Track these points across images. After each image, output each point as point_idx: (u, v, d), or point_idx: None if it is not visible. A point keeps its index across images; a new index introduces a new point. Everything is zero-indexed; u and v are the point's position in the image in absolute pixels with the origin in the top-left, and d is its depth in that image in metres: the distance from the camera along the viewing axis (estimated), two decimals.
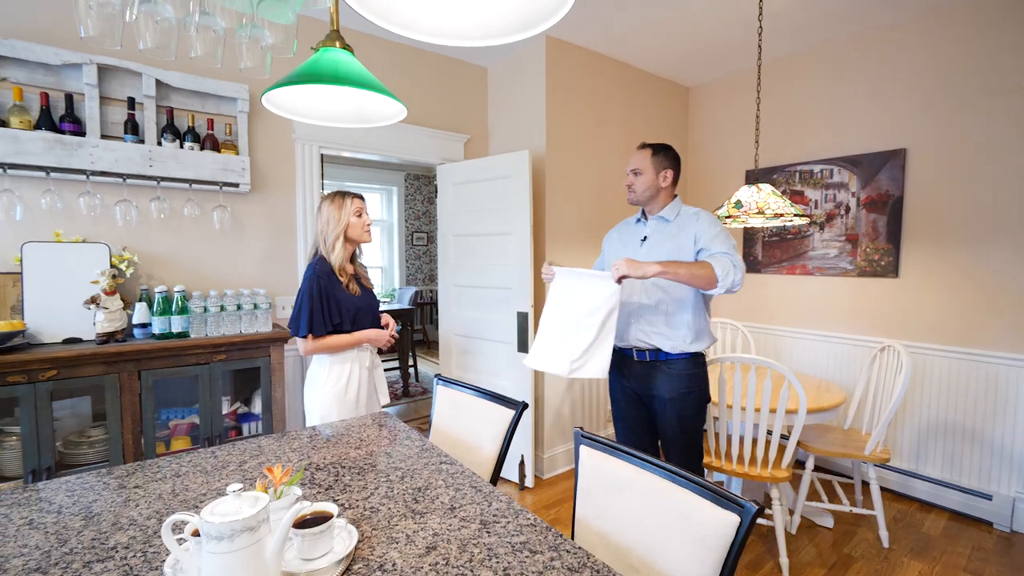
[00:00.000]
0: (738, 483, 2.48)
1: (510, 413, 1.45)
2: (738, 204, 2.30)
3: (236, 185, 2.44)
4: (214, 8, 1.12)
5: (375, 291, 2.05)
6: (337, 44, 1.29)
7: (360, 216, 1.87)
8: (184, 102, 2.35)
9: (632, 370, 1.87)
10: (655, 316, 1.80)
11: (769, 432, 2.38)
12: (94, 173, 2.11)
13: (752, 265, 3.44)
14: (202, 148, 2.34)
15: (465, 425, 1.58)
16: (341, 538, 0.88)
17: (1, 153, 1.93)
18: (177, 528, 0.92)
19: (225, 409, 2.40)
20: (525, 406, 1.45)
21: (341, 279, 1.83)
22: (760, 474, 2.05)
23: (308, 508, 0.87)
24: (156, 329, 2.13)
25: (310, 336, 1.76)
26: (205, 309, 2.22)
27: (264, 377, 2.33)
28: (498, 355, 2.99)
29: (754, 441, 2.23)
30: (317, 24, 2.70)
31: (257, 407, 2.40)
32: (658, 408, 1.82)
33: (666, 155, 1.84)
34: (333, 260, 1.82)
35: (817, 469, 3.06)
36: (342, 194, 1.86)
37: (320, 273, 1.78)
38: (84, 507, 1.04)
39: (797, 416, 2.02)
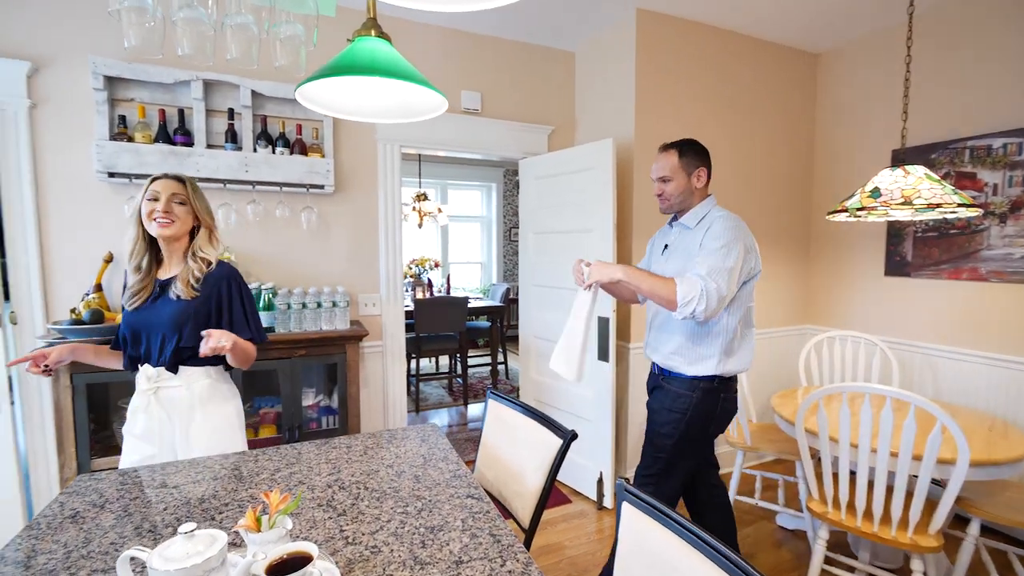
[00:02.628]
0: (866, 546, 2.00)
1: (557, 443, 1.26)
2: (875, 192, 1.83)
3: (321, 187, 2.54)
4: (240, 7, 1.09)
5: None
6: (373, 32, 1.20)
7: (156, 200, 1.37)
8: (276, 110, 2.49)
9: (649, 383, 1.84)
10: (653, 329, 1.77)
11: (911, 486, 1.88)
12: (200, 180, 2.31)
13: (897, 267, 2.79)
14: (291, 152, 2.46)
15: (511, 447, 1.42)
16: None
17: (127, 165, 2.19)
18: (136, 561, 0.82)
19: (309, 401, 2.53)
20: (574, 436, 1.25)
21: (128, 281, 1.45)
22: (897, 538, 1.61)
23: (286, 548, 0.78)
24: None
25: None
26: (288, 306, 2.33)
27: (340, 373, 2.40)
28: None
29: (889, 490, 1.77)
30: (389, 21, 2.70)
31: (336, 401, 2.48)
32: (648, 418, 1.76)
33: (695, 152, 1.67)
34: (126, 257, 1.45)
35: (986, 533, 2.39)
36: (151, 176, 1.43)
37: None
38: (124, 504, 1.07)
39: (955, 470, 1.54)
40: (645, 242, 2.71)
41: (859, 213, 1.99)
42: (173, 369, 1.40)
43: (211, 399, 1.45)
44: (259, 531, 0.83)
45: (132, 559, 0.65)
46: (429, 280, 4.86)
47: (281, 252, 2.59)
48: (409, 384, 4.55)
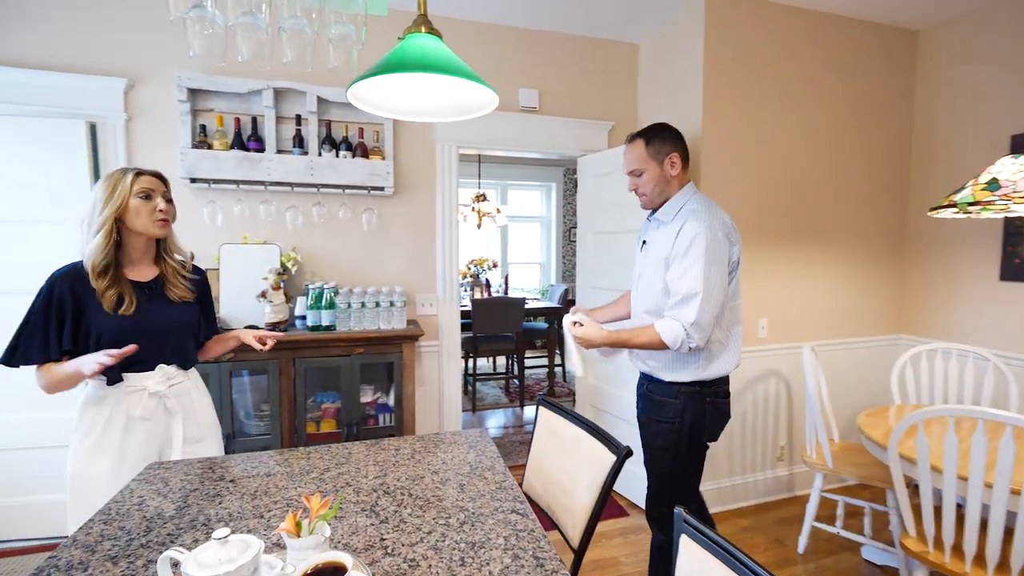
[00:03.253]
0: None
1: (610, 460, 1.18)
2: (992, 184, 1.57)
3: (381, 188, 2.59)
4: (291, 9, 1.10)
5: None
6: (423, 29, 1.18)
7: (149, 199, 1.31)
8: (340, 114, 2.57)
9: (637, 391, 1.73)
10: None
11: None
12: (270, 183, 2.43)
13: (1017, 271, 2.41)
14: (354, 155, 2.53)
15: (561, 459, 1.35)
16: None
17: (208, 171, 2.34)
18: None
19: (368, 398, 2.58)
20: (628, 453, 1.16)
21: (95, 286, 1.27)
22: None
23: (321, 558, 0.76)
24: (309, 321, 2.37)
25: (37, 368, 1.27)
26: (348, 305, 2.39)
27: (396, 372, 2.43)
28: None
29: (1008, 532, 1.51)
30: (444, 22, 2.70)
31: (393, 399, 2.52)
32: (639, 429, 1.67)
33: (664, 137, 1.56)
34: (87, 256, 1.27)
35: None
36: (124, 169, 1.32)
37: (57, 277, 1.27)
38: (185, 495, 1.12)
39: None
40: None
41: (970, 209, 1.72)
42: (184, 368, 1.46)
43: (205, 393, 1.56)
44: (299, 536, 0.83)
45: (172, 560, 0.66)
46: (487, 280, 4.87)
47: (343, 252, 2.67)
48: (466, 383, 4.59)
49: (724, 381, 1.59)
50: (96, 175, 2.31)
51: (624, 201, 2.67)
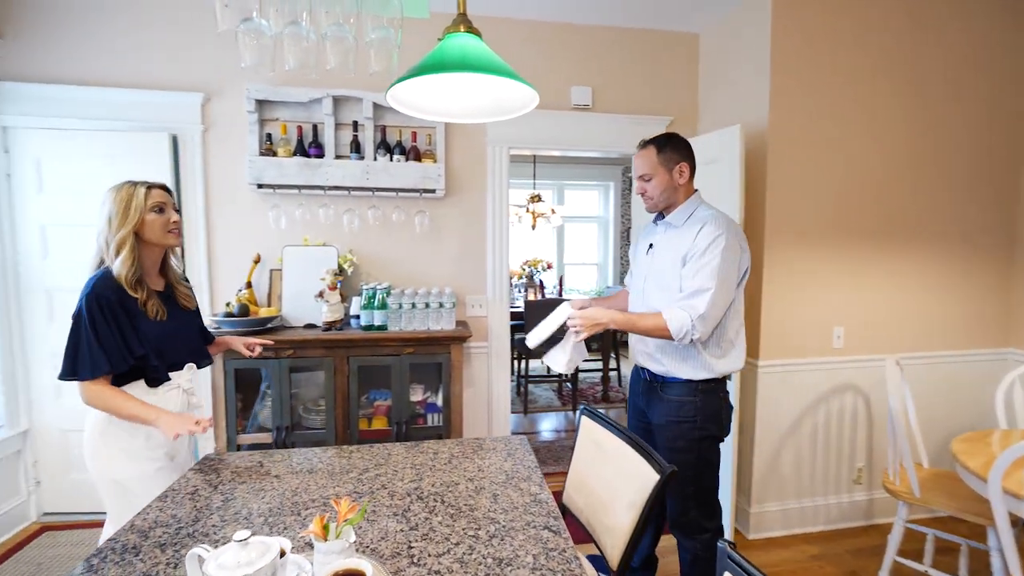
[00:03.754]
0: None
1: (653, 478, 1.10)
2: None
3: (433, 191, 2.62)
4: (333, 16, 1.12)
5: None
6: (462, 28, 1.16)
7: (162, 212, 1.38)
8: (394, 119, 2.63)
9: (639, 387, 1.75)
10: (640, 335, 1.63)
11: None
12: (328, 188, 2.54)
13: None
14: (407, 159, 2.58)
15: (603, 473, 1.29)
16: None
17: (271, 177, 2.47)
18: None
19: (418, 397, 2.63)
20: (673, 473, 1.07)
21: (136, 296, 1.33)
22: None
23: (342, 564, 0.75)
24: (362, 321, 2.44)
25: (93, 380, 1.28)
26: (399, 306, 2.44)
27: (444, 373, 2.45)
28: None
29: None
30: (493, 22, 2.68)
31: (441, 400, 2.54)
32: (654, 433, 1.66)
33: (675, 147, 1.60)
34: (118, 271, 1.32)
35: None
36: (132, 183, 1.38)
37: (100, 291, 1.29)
38: (232, 487, 1.17)
39: None
40: (779, 246, 2.34)
41: None
42: (200, 367, 1.54)
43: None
44: (325, 539, 0.83)
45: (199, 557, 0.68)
46: (541, 281, 4.83)
47: (396, 254, 2.73)
48: (518, 385, 4.57)
49: (728, 377, 1.67)
50: (177, 183, 2.51)
51: None
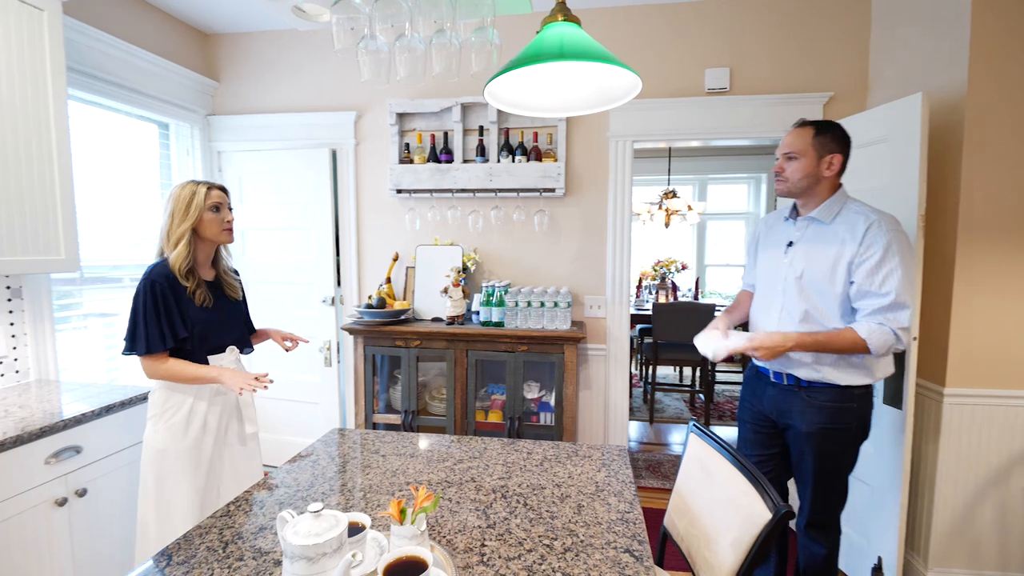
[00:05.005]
0: None
1: (764, 516, 0.94)
2: None
3: (552, 190, 2.62)
4: (436, 25, 1.17)
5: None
6: (560, 17, 1.12)
7: (219, 211, 1.50)
8: (517, 121, 2.69)
9: (765, 392, 1.63)
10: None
11: None
12: (456, 191, 2.69)
13: None
14: (528, 159, 2.62)
15: (709, 500, 1.14)
16: None
17: (408, 182, 2.71)
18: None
19: (533, 394, 2.65)
20: (788, 515, 0.90)
21: (186, 284, 1.46)
22: None
23: (407, 551, 0.78)
24: (481, 317, 2.55)
25: (148, 356, 1.41)
26: (516, 304, 2.49)
27: (557, 373, 2.43)
28: None
29: None
30: (611, 11, 2.55)
31: (554, 399, 2.53)
32: (792, 441, 1.59)
33: (835, 137, 1.50)
34: (173, 261, 1.44)
35: None
36: (194, 183, 1.49)
37: (156, 278, 1.42)
38: (345, 462, 1.31)
39: None
40: (980, 245, 1.83)
41: None
42: (244, 352, 1.65)
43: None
44: (401, 523, 0.87)
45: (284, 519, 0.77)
46: (674, 283, 4.52)
47: (516, 253, 2.79)
48: (645, 392, 4.34)
49: None
50: (335, 191, 2.90)
51: (855, 188, 2.13)
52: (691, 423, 1.35)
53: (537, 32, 1.14)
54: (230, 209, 1.55)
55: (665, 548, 1.32)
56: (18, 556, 1.41)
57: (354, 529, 0.88)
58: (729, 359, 5.03)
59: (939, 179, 1.89)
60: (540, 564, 0.88)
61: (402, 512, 0.89)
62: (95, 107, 2.39)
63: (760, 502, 0.98)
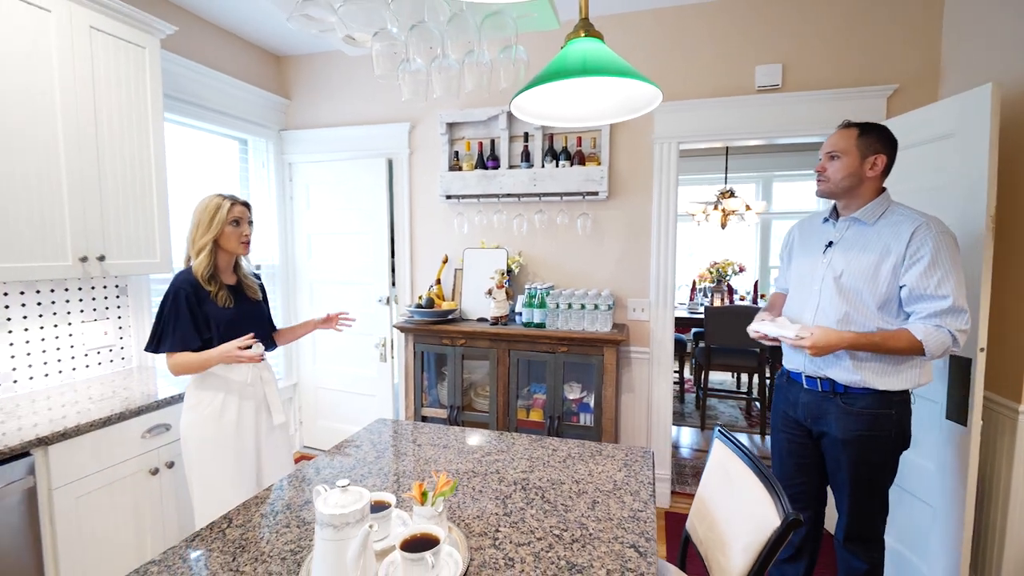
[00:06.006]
0: None
1: (772, 523, 0.94)
2: None
3: (596, 193, 2.65)
4: (467, 45, 1.26)
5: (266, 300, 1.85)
6: (582, 33, 1.18)
7: (238, 225, 1.62)
8: (560, 127, 2.74)
9: (798, 398, 1.60)
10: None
11: None
12: (502, 195, 2.79)
13: None
14: (571, 164, 2.67)
15: (728, 506, 1.14)
16: (447, 566, 0.84)
17: (457, 188, 2.84)
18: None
19: (574, 395, 2.69)
20: (796, 523, 0.90)
21: (209, 289, 1.59)
22: None
23: (423, 527, 0.87)
24: (524, 318, 2.62)
25: (168, 354, 1.55)
26: (557, 305, 2.54)
27: (596, 375, 2.46)
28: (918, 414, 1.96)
29: None
30: (657, 12, 2.52)
31: (594, 400, 2.55)
32: (828, 448, 1.55)
33: (879, 136, 1.45)
34: (196, 268, 1.58)
35: None
36: (220, 197, 1.61)
37: (181, 284, 1.56)
38: (383, 449, 1.43)
39: None
40: None
41: None
42: (268, 349, 1.74)
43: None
44: (422, 504, 0.97)
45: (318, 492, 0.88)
46: (730, 286, 4.36)
47: (559, 256, 2.84)
48: (697, 397, 4.22)
49: None
50: (391, 197, 3.09)
51: (915, 187, 1.99)
52: (716, 428, 1.35)
53: (561, 47, 1.20)
54: (250, 224, 1.68)
55: (687, 551, 1.33)
56: (121, 516, 1.66)
57: (382, 507, 0.99)
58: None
59: (1013, 176, 1.73)
60: (547, 552, 0.95)
61: (424, 495, 0.98)
62: (186, 127, 2.72)
63: (772, 508, 0.98)
